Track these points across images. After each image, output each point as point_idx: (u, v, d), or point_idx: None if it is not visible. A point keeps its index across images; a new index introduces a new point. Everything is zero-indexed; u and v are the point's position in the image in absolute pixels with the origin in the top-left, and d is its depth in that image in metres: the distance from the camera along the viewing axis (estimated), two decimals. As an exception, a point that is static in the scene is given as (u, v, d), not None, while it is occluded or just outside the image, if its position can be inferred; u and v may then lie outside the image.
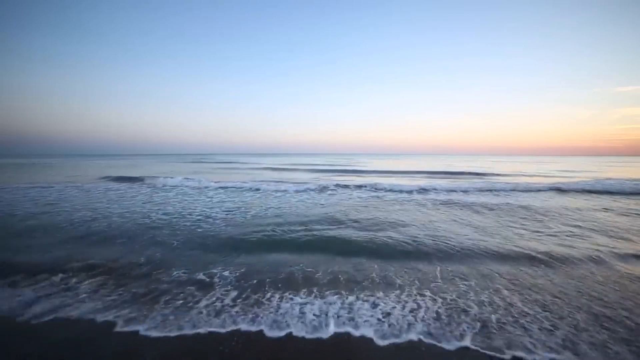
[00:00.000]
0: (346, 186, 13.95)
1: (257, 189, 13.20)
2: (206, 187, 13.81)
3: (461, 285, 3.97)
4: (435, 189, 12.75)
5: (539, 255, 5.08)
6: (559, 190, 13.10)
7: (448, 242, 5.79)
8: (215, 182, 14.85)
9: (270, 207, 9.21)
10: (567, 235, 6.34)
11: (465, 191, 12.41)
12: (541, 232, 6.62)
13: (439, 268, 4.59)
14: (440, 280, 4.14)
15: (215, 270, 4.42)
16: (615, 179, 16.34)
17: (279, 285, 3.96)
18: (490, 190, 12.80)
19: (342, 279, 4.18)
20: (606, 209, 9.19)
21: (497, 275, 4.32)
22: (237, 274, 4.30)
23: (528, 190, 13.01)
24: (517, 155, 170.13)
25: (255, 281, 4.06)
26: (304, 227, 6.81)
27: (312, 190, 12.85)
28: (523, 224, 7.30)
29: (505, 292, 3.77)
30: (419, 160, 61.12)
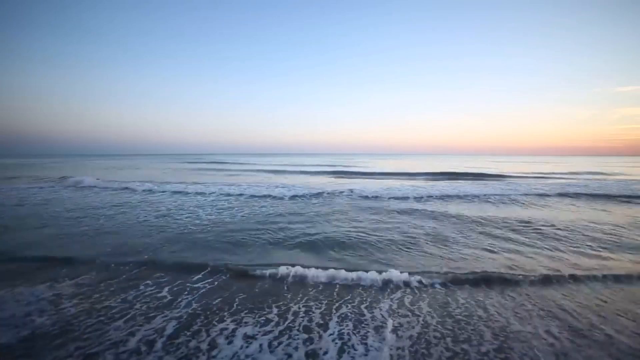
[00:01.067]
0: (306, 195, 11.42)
1: (186, 192, 12.23)
2: (128, 189, 13.08)
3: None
4: (440, 196, 11.44)
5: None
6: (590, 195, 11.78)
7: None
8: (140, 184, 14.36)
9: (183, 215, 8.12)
10: None
11: (471, 198, 11.18)
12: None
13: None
14: None
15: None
16: None
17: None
18: (507, 196, 11.31)
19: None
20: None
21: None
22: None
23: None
24: (518, 155, 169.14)
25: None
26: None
27: (250, 195, 11.36)
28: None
29: None
30: (419, 160, 60.22)
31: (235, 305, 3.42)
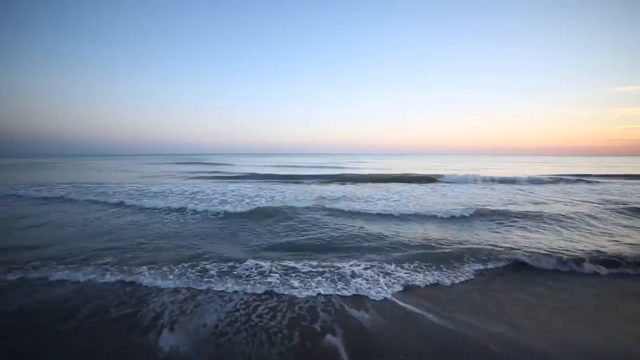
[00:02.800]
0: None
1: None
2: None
3: None
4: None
5: None
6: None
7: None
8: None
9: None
10: None
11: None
12: None
13: None
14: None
15: None
16: None
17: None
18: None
19: None
20: None
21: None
22: None
23: None
24: (519, 155, 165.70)
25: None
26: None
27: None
28: None
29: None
30: (418, 160, 57.71)
31: None
